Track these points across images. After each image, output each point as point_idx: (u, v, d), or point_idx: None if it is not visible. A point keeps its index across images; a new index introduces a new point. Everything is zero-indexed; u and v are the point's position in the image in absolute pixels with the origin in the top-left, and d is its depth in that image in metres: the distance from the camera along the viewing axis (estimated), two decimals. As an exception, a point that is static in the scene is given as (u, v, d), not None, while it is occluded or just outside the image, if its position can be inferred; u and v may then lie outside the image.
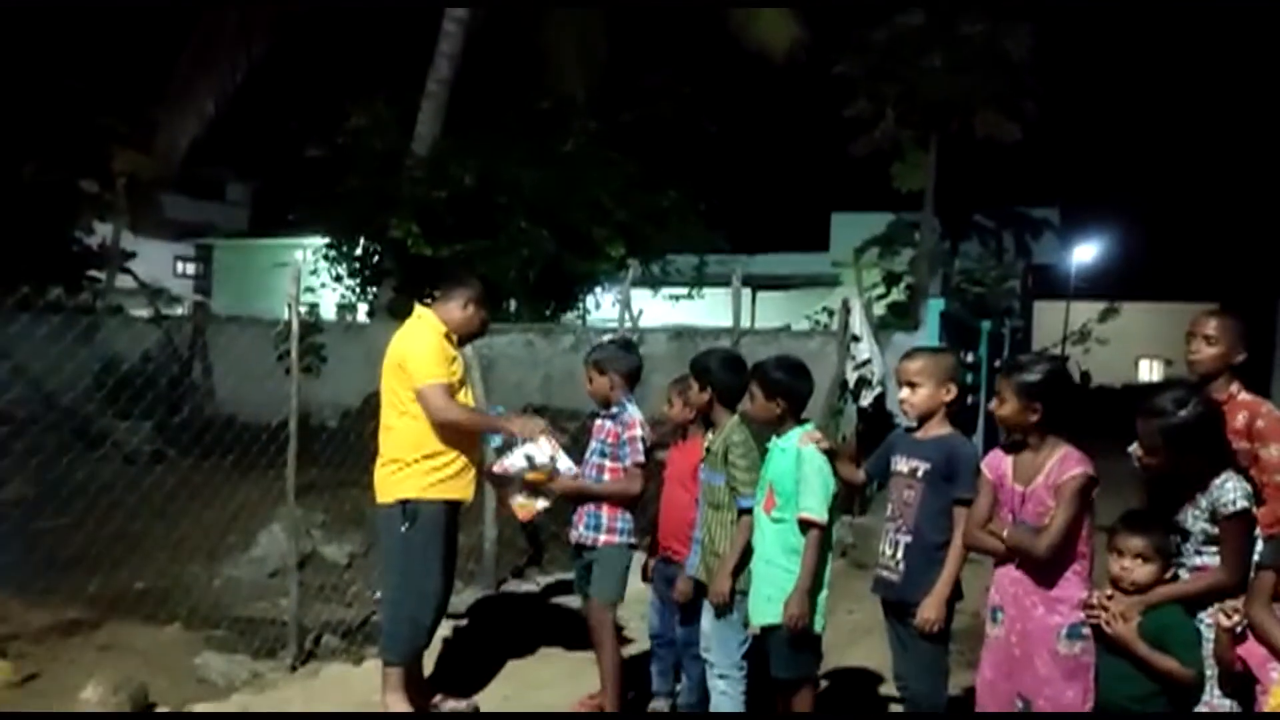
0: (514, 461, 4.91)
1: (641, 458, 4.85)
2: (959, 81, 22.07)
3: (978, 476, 3.85)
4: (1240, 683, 3.42)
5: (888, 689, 5.00)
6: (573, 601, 6.13)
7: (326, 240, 15.84)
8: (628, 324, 9.07)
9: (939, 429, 4.05)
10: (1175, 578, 3.55)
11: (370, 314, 16.08)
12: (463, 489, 4.90)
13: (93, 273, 21.75)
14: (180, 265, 37.64)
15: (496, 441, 5.09)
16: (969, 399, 12.18)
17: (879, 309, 14.82)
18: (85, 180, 21.91)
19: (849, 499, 9.18)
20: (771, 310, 23.94)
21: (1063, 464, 3.59)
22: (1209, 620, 3.49)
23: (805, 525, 4.11)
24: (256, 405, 8.45)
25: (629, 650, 5.56)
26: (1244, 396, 3.98)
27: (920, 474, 3.98)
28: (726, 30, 16.54)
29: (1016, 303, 25.60)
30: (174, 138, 16.23)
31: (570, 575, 5.68)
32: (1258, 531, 3.57)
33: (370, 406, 5.02)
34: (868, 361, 10.43)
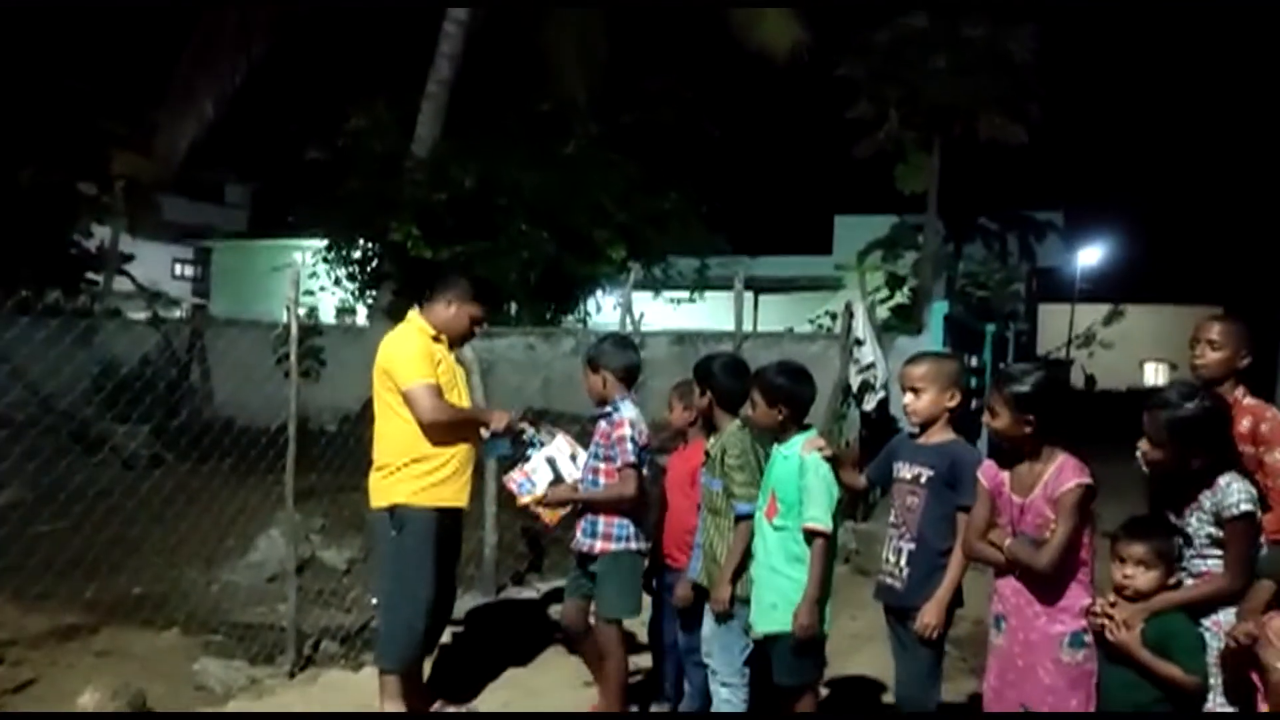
0: (534, 466, 4.89)
1: (631, 458, 4.67)
2: (962, 83, 22.09)
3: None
4: (1246, 691, 3.41)
5: (890, 696, 4.96)
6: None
7: (326, 243, 15.82)
8: (629, 327, 9.04)
9: (942, 435, 4.02)
10: (1178, 584, 3.52)
11: (370, 317, 16.05)
12: (454, 495, 4.85)
13: (91, 275, 21.75)
14: (179, 268, 37.68)
15: (502, 449, 5.05)
16: (973, 403, 12.14)
17: (882, 312, 14.78)
18: (84, 182, 21.89)
19: (852, 504, 9.14)
20: (774, 313, 23.95)
21: (1060, 475, 3.56)
22: (1212, 627, 3.46)
23: (811, 535, 4.08)
24: (255, 409, 8.43)
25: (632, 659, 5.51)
26: (1248, 401, 3.98)
27: (923, 480, 3.96)
28: (729, 32, 16.53)
29: (1021, 306, 25.62)
30: (173, 140, 16.22)
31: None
32: (1262, 539, 3.55)
33: (370, 411, 4.99)
34: (871, 365, 10.38)
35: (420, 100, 15.27)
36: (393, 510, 4.73)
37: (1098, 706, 3.53)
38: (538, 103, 15.79)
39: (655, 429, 5.18)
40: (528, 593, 7.34)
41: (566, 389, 10.99)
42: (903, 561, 3.98)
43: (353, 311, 16.97)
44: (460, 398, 5.01)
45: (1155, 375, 41.48)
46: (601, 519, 4.76)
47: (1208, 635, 3.46)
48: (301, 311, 6.29)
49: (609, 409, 4.82)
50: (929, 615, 3.85)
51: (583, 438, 5.09)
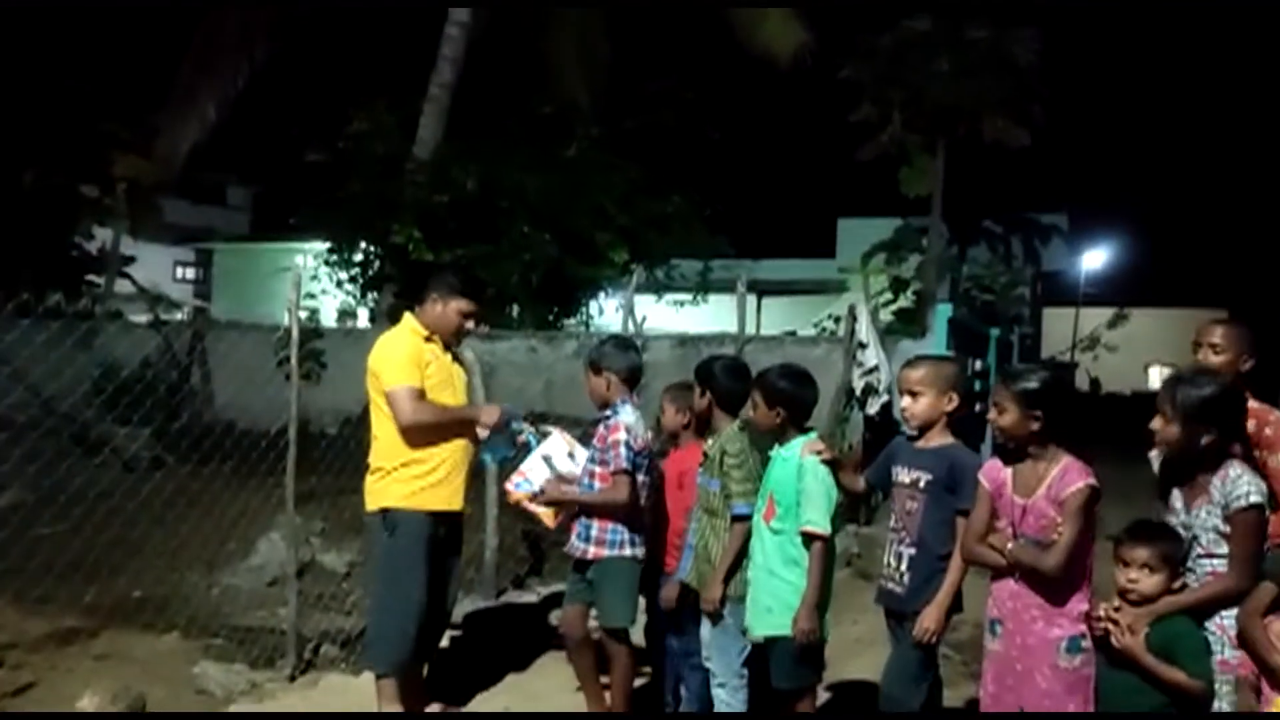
0: (530, 465, 4.86)
1: (624, 464, 4.63)
2: (966, 86, 22.11)
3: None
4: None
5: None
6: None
7: (327, 245, 15.82)
8: (631, 330, 9.03)
9: (940, 438, 4.01)
10: (1183, 587, 3.50)
11: (371, 320, 16.04)
12: (447, 499, 4.83)
13: (92, 277, 21.77)
14: (180, 270, 37.71)
15: (503, 451, 5.03)
16: (977, 406, 12.12)
17: (886, 315, 14.76)
18: (86, 185, 21.92)
19: (854, 508, 9.12)
20: (777, 316, 23.95)
21: (1064, 476, 3.54)
22: (1216, 631, 3.44)
23: (809, 538, 4.08)
24: (256, 412, 8.42)
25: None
26: (1252, 404, 3.95)
27: (922, 485, 3.95)
28: (732, 35, 16.52)
29: (1025, 310, 25.63)
30: (175, 142, 16.23)
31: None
32: (1266, 546, 3.52)
33: (370, 414, 4.99)
34: (874, 369, 10.36)
35: (422, 103, 15.27)
36: (385, 513, 4.73)
37: (1099, 711, 3.51)
38: (540, 105, 15.78)
39: (656, 431, 5.17)
40: (528, 596, 7.33)
41: (568, 391, 10.97)
42: (903, 566, 3.98)
43: (354, 314, 16.97)
44: (455, 398, 4.98)
45: (1160, 378, 41.47)
46: (595, 524, 4.73)
47: (1211, 639, 3.43)
48: (303, 314, 6.29)
49: (608, 412, 4.79)
50: (928, 620, 3.85)
51: (585, 441, 5.06)
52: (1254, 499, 3.39)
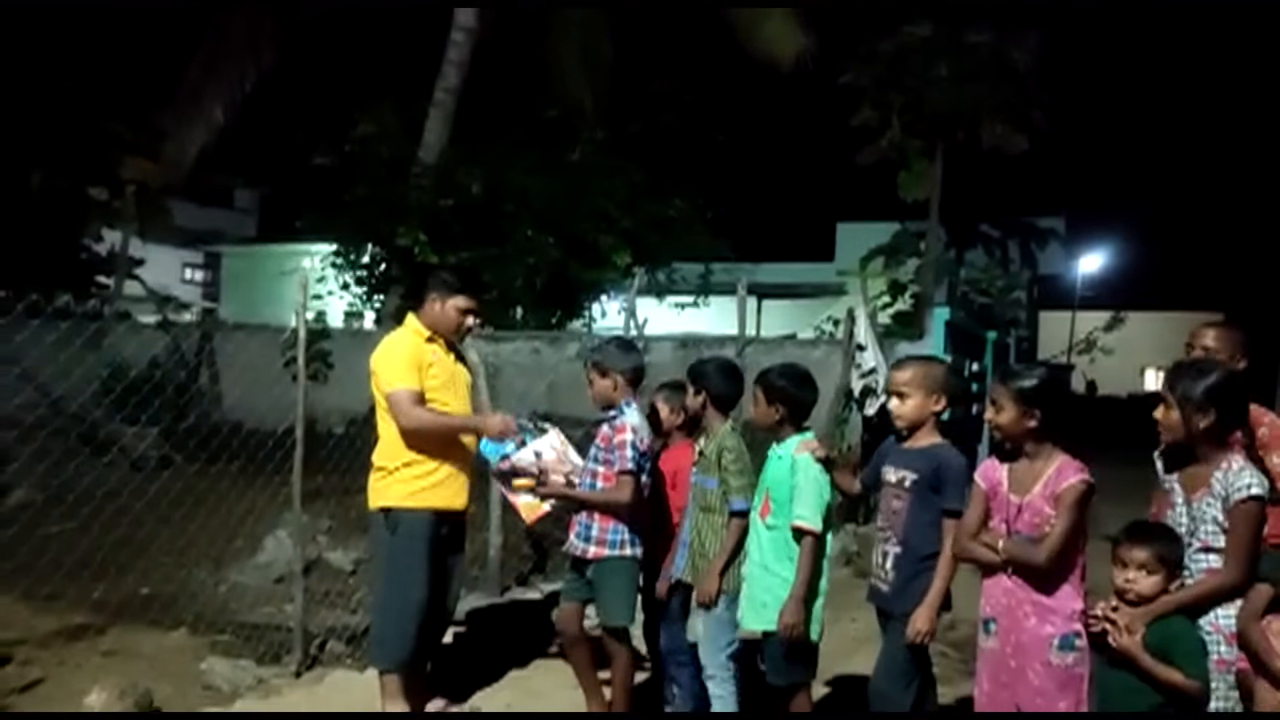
0: (522, 457, 4.88)
1: (630, 465, 4.62)
2: (965, 91, 22.13)
3: (965, 487, 3.84)
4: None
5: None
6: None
7: (334, 248, 15.86)
8: (633, 332, 9.08)
9: (928, 439, 4.04)
10: (1180, 587, 3.50)
11: (377, 321, 16.08)
12: (449, 498, 4.86)
13: (101, 279, 21.81)
14: (188, 272, 37.68)
15: (508, 449, 5.06)
16: (974, 408, 12.18)
17: (884, 318, 14.84)
18: (94, 187, 21.98)
19: (853, 508, 9.18)
20: (777, 319, 23.96)
21: (1060, 473, 3.58)
22: (1212, 631, 3.45)
23: (799, 533, 4.12)
24: (263, 412, 8.46)
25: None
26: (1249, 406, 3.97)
27: (908, 484, 3.98)
28: (733, 39, 16.55)
29: (1022, 313, 25.63)
30: (183, 145, 16.25)
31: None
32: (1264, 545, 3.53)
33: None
34: (873, 371, 10.42)
35: (428, 107, 15.30)
36: (387, 512, 4.77)
37: (1096, 711, 3.53)
38: (544, 110, 15.83)
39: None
40: (531, 594, 7.37)
41: (571, 392, 11.00)
42: (888, 564, 4.02)
43: (360, 316, 17.01)
44: (458, 398, 5.00)
45: (1156, 381, 41.34)
46: (596, 523, 4.73)
47: (1207, 639, 3.43)
48: (310, 315, 6.34)
49: (613, 413, 4.79)
50: (920, 621, 3.87)
51: (587, 442, 5.07)
52: (1255, 491, 3.39)
